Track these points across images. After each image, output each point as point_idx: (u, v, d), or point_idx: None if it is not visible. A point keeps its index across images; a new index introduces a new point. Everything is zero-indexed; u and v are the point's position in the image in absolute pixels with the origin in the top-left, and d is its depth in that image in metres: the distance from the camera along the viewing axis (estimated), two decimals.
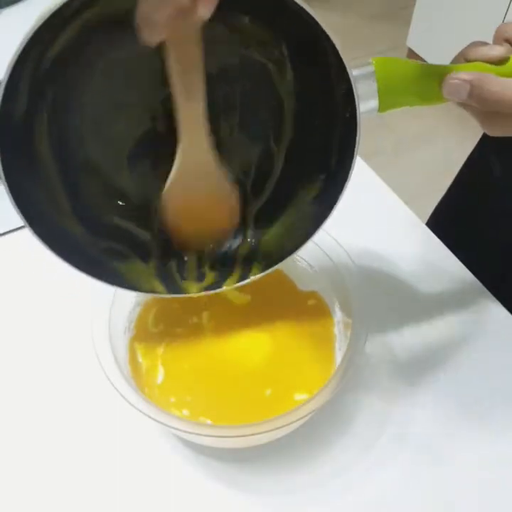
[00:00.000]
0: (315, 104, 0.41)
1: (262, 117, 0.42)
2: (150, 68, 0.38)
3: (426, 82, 0.37)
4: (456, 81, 0.35)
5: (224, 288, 0.43)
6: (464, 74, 0.35)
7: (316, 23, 0.33)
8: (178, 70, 0.34)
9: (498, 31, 0.38)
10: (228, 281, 0.44)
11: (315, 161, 0.42)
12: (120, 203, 0.44)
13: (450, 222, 0.68)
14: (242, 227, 0.45)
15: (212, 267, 0.45)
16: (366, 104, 0.36)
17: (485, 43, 0.37)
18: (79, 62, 0.37)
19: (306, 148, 0.42)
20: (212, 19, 0.30)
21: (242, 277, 0.43)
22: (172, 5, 0.28)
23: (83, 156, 0.41)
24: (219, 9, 0.29)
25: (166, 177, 0.41)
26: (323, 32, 0.33)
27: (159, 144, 0.42)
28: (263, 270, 0.43)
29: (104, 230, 0.42)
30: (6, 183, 0.34)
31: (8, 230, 0.59)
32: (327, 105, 0.39)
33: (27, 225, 0.36)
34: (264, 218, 0.45)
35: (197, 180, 0.40)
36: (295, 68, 0.40)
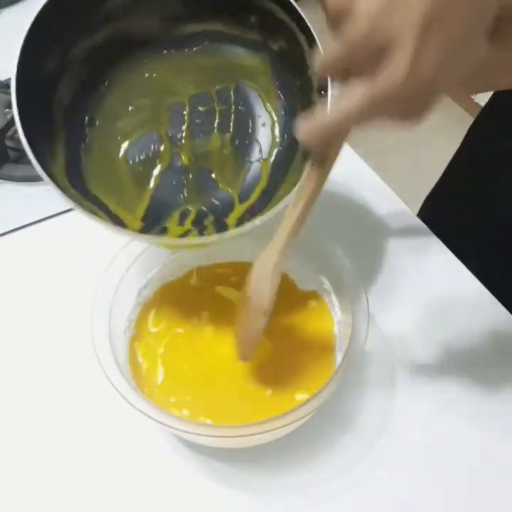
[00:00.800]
0: (296, 107, 0.45)
1: (252, 135, 0.46)
2: (163, 86, 0.46)
3: None
4: None
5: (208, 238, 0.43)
6: None
7: (300, 18, 0.39)
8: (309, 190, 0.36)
9: None
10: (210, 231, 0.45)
11: (301, 158, 0.43)
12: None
13: (443, 214, 0.69)
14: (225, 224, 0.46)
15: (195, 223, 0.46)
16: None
17: None
18: (107, 60, 0.44)
19: (292, 151, 0.45)
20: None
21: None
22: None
23: (88, 134, 0.45)
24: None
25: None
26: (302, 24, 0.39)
27: (157, 146, 0.46)
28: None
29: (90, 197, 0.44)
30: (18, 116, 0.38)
31: (8, 230, 0.59)
32: (305, 100, 0.43)
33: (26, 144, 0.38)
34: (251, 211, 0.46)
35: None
36: (279, 83, 0.46)
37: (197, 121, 0.47)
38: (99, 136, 0.45)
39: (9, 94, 0.69)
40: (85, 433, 0.46)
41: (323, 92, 0.40)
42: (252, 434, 0.38)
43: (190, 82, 0.46)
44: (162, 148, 0.46)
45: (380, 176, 0.64)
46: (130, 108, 0.46)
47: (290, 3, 0.40)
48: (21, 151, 0.66)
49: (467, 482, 0.43)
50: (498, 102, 0.62)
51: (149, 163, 0.46)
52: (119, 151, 0.46)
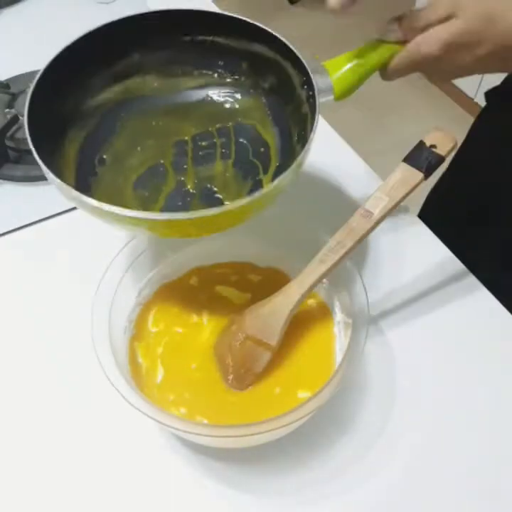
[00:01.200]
0: (290, 128, 0.49)
1: (252, 159, 0.50)
2: (167, 130, 0.51)
3: (369, 54, 0.45)
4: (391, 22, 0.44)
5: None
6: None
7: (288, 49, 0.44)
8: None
9: None
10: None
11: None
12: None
13: (442, 213, 0.69)
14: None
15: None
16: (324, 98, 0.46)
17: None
18: (117, 112, 0.50)
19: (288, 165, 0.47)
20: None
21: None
22: None
23: (98, 170, 0.49)
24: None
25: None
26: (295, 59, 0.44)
27: (164, 174, 0.50)
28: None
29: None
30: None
31: (8, 230, 0.59)
32: (297, 117, 0.47)
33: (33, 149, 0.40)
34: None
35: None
36: (272, 113, 0.51)
37: (200, 153, 0.50)
38: (109, 172, 0.49)
39: (9, 93, 0.69)
40: (85, 432, 0.46)
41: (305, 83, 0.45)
42: (252, 434, 0.38)
43: (193, 125, 0.51)
44: (168, 175, 0.49)
45: (380, 176, 0.64)
46: (138, 148, 0.50)
47: (272, 34, 0.45)
48: (21, 152, 0.66)
49: (467, 482, 0.43)
50: (499, 100, 0.62)
51: (156, 190, 0.49)
52: (127, 183, 0.49)
